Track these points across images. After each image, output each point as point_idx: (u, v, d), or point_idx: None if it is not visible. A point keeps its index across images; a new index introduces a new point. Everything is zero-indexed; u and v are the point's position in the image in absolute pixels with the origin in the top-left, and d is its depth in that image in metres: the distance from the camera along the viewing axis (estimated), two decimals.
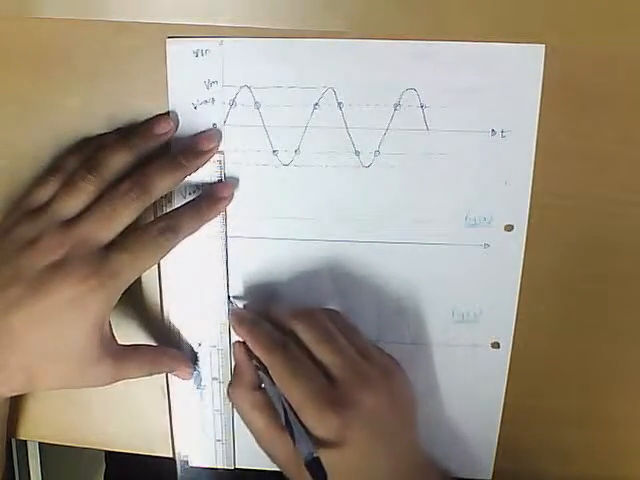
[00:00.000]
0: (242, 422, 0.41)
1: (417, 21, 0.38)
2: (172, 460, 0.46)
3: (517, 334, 0.42)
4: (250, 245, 0.42)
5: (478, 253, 0.41)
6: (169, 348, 0.43)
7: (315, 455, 0.35)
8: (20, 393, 0.40)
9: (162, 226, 0.37)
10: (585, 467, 0.45)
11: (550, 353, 0.43)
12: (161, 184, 0.38)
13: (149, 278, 0.43)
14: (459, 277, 0.42)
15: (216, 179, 0.41)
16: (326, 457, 0.35)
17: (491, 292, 0.42)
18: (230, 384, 0.41)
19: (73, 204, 0.37)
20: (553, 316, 0.43)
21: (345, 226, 0.42)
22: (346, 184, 0.41)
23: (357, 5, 0.38)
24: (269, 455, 0.40)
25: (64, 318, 0.35)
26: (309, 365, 0.37)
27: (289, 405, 0.37)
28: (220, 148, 0.41)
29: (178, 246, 0.38)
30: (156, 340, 0.44)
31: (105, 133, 0.41)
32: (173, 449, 0.46)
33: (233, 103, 0.40)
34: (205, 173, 0.41)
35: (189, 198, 0.41)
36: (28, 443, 0.72)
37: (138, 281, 0.43)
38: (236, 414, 0.43)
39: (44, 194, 0.38)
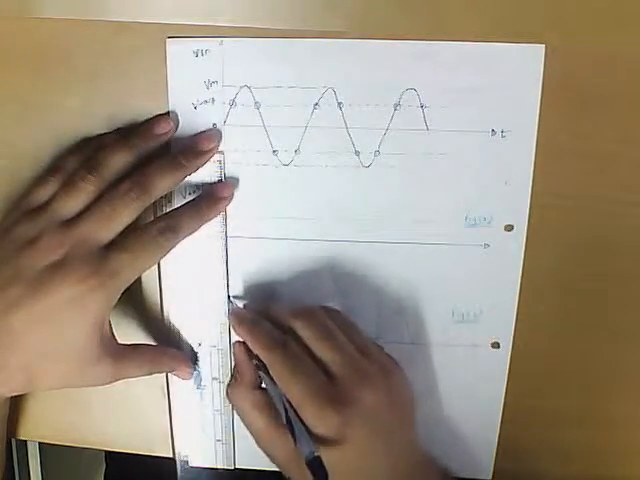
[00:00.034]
0: (242, 422, 0.41)
1: (417, 21, 0.38)
2: (172, 460, 0.46)
3: (517, 334, 0.42)
4: (250, 245, 0.42)
5: (478, 253, 0.41)
6: (169, 348, 0.43)
7: (316, 454, 0.35)
8: (20, 393, 0.40)
9: (162, 226, 0.37)
10: (585, 467, 0.45)
11: (550, 353, 0.43)
12: (161, 184, 0.38)
13: (149, 278, 0.43)
14: (459, 277, 0.42)
15: (216, 179, 0.41)
16: (326, 455, 0.35)
17: (491, 292, 0.42)
18: (229, 384, 0.41)
19: (73, 204, 0.37)
20: (553, 316, 0.43)
21: (345, 226, 0.42)
22: (346, 184, 0.41)
23: (357, 5, 0.38)
24: (269, 455, 0.40)
25: (64, 318, 0.35)
26: (309, 363, 0.37)
27: (289, 404, 0.37)
28: (220, 148, 0.41)
29: (178, 246, 0.38)
30: (156, 340, 0.44)
31: (105, 133, 0.41)
32: (173, 449, 0.46)
33: (233, 103, 0.40)
34: (205, 173, 0.41)
35: (189, 198, 0.41)
36: (28, 443, 0.72)
37: (138, 281, 0.43)
38: (236, 414, 0.43)
39: (44, 194, 0.38)
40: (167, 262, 0.42)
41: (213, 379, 0.44)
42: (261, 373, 0.39)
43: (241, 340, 0.41)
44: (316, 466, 0.35)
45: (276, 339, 0.39)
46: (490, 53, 0.38)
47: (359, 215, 0.41)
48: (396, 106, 0.40)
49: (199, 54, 0.39)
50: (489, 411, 0.44)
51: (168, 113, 0.40)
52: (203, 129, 0.40)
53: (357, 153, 0.40)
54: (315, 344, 0.38)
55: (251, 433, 0.40)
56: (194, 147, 0.40)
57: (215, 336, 0.43)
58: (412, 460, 0.39)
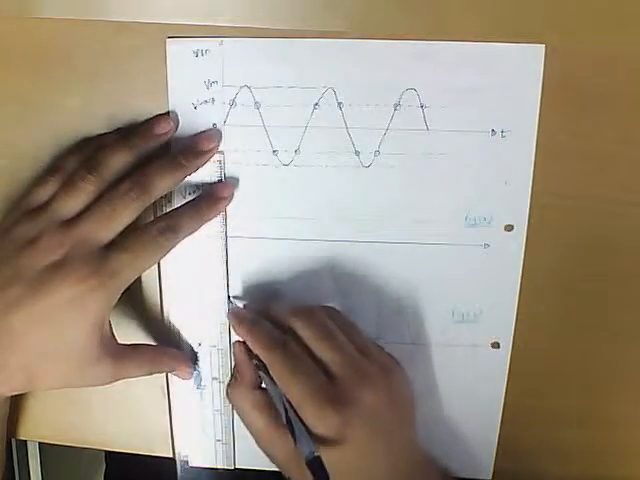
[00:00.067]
0: (242, 422, 0.41)
1: (417, 21, 0.38)
2: (172, 460, 0.46)
3: (517, 334, 0.42)
4: (250, 245, 0.42)
5: (478, 253, 0.41)
6: (169, 348, 0.43)
7: (316, 454, 0.35)
8: (20, 392, 0.40)
9: (162, 226, 0.37)
10: (585, 467, 0.45)
11: (550, 353, 0.43)
12: (161, 184, 0.38)
13: (149, 278, 0.43)
14: (459, 277, 0.42)
15: (216, 179, 0.41)
16: (327, 455, 0.35)
17: (491, 292, 0.42)
18: (229, 384, 0.41)
19: (73, 204, 0.37)
20: (553, 316, 0.43)
21: (345, 226, 0.42)
22: (346, 184, 0.41)
23: (357, 5, 0.38)
24: (268, 455, 0.40)
25: (64, 318, 0.35)
26: (309, 363, 0.37)
27: (290, 404, 0.37)
28: (220, 148, 0.41)
29: (178, 246, 0.38)
30: (156, 340, 0.44)
31: (105, 133, 0.41)
32: (173, 449, 0.46)
33: (233, 103, 0.40)
34: (205, 173, 0.41)
35: (189, 198, 0.41)
36: (28, 443, 0.72)
37: (138, 281, 0.43)
38: (236, 414, 0.43)
39: (44, 194, 0.38)
40: (167, 262, 0.42)
41: (213, 379, 0.44)
42: (261, 373, 0.39)
43: (241, 340, 0.41)
44: (316, 466, 0.35)
45: (276, 339, 0.39)
46: (490, 53, 0.38)
47: (359, 215, 0.41)
48: (396, 106, 0.40)
49: (199, 54, 0.39)
50: (489, 411, 0.44)
51: (168, 113, 0.40)
52: (203, 129, 0.40)
53: (357, 153, 0.40)
54: (315, 344, 0.38)
55: (251, 433, 0.40)
56: (194, 147, 0.40)
57: (215, 336, 0.43)
58: (412, 460, 0.39)
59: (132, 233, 0.37)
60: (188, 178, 0.40)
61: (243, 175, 0.41)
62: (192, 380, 0.44)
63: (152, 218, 0.39)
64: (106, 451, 0.60)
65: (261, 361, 0.39)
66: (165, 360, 0.41)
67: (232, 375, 0.42)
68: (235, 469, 0.46)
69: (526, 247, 0.41)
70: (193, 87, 0.40)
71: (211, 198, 0.40)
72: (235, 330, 0.41)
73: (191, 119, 0.40)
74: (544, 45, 0.38)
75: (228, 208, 0.41)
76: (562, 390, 0.44)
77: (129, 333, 0.43)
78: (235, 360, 0.42)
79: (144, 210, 0.37)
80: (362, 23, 0.38)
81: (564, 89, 0.39)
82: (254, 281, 0.43)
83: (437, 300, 0.42)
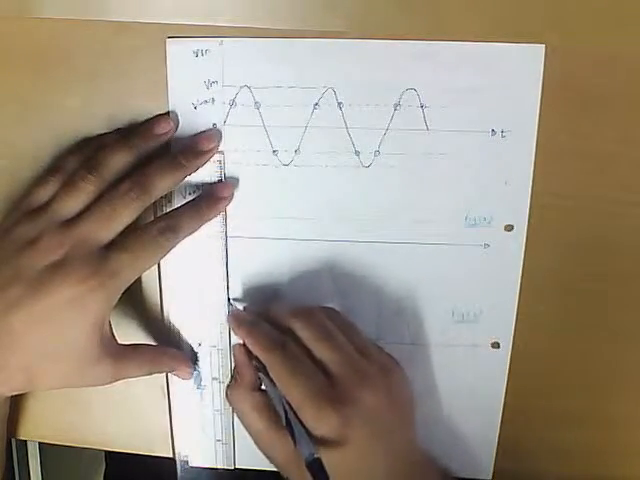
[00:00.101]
0: (241, 424, 0.41)
1: (417, 21, 0.38)
2: (172, 460, 0.46)
3: (517, 334, 0.42)
4: (250, 245, 0.42)
5: (478, 253, 0.41)
6: (169, 348, 0.43)
7: (316, 456, 0.35)
8: (20, 392, 0.40)
9: (162, 226, 0.37)
10: (585, 467, 0.45)
11: (550, 353, 0.43)
12: (161, 184, 0.38)
13: (149, 278, 0.43)
14: (459, 277, 0.42)
15: (216, 179, 0.41)
16: (327, 456, 0.35)
17: (491, 292, 0.42)
18: (229, 386, 0.41)
19: (73, 204, 0.37)
20: (553, 316, 0.43)
21: (345, 226, 0.42)
22: (346, 184, 0.41)
23: (357, 5, 0.38)
24: (268, 457, 0.39)
25: (64, 318, 0.35)
26: (308, 363, 0.37)
27: (289, 406, 0.37)
28: (220, 148, 0.41)
29: (178, 246, 0.38)
30: (156, 340, 0.44)
31: (105, 133, 0.41)
32: (173, 449, 0.46)
33: (233, 103, 0.40)
34: (205, 173, 0.41)
35: (189, 198, 0.41)
36: (28, 443, 0.72)
37: (138, 281, 0.43)
38: (236, 415, 0.43)
39: (44, 194, 0.38)
40: (167, 262, 0.42)
41: (213, 379, 0.44)
42: (261, 375, 0.39)
43: (241, 342, 0.41)
44: (316, 468, 0.35)
45: (275, 340, 0.39)
46: (490, 53, 0.38)
47: (359, 215, 0.41)
48: (396, 106, 0.40)
49: (199, 54, 0.39)
50: (489, 411, 0.44)
51: (168, 113, 0.40)
52: (203, 129, 0.40)
53: (357, 153, 0.40)
54: (314, 345, 0.38)
55: (250, 435, 0.40)
56: (194, 147, 0.40)
57: (215, 336, 0.43)
58: (412, 460, 0.39)
59: (132, 233, 0.37)
60: (188, 178, 0.40)
61: (243, 175, 0.41)
62: (192, 380, 0.44)
63: (152, 218, 0.40)
64: (106, 451, 0.60)
65: (261, 363, 0.39)
66: (165, 360, 0.41)
67: (232, 377, 0.42)
68: (235, 469, 0.46)
69: (526, 247, 0.41)
70: (193, 87, 0.40)
71: (211, 198, 0.40)
72: (235, 332, 0.41)
73: (191, 119, 0.40)
74: (544, 45, 0.38)
75: (228, 208, 0.41)
76: (562, 390, 0.44)
77: (129, 333, 0.43)
78: (235, 362, 0.42)
79: (144, 210, 0.37)
80: (362, 23, 0.38)
81: (564, 89, 0.39)
82: (254, 281, 0.43)
83: (437, 300, 0.42)
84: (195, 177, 0.40)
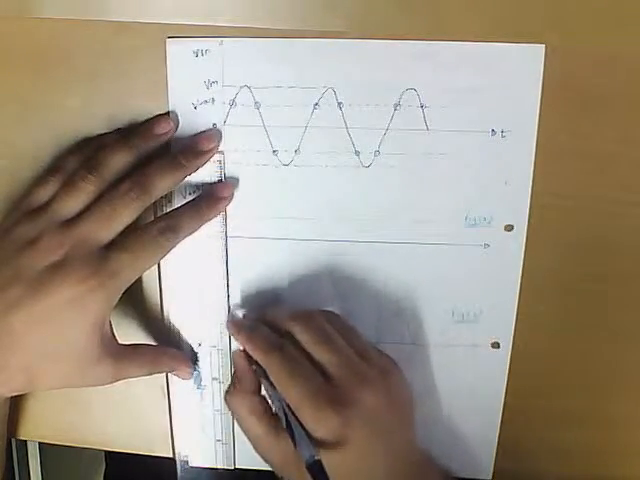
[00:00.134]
0: (240, 428, 0.40)
1: (417, 21, 0.38)
2: (172, 460, 0.46)
3: (517, 334, 0.42)
4: (250, 245, 0.42)
5: (478, 253, 0.41)
6: (169, 348, 0.43)
7: (316, 458, 0.35)
8: (20, 393, 0.40)
9: (162, 226, 0.37)
10: (585, 467, 0.45)
11: (550, 353, 0.43)
12: (161, 184, 0.38)
13: (149, 278, 0.43)
14: (459, 277, 0.42)
15: (216, 179, 0.41)
16: (326, 458, 0.35)
17: (491, 292, 0.42)
18: (228, 391, 0.41)
19: (73, 204, 0.37)
20: (553, 316, 0.43)
21: (345, 226, 0.42)
22: (346, 184, 0.41)
23: (357, 5, 0.38)
24: (267, 460, 0.39)
25: (64, 318, 0.35)
26: (307, 365, 0.37)
27: (290, 408, 0.37)
28: (220, 148, 0.41)
29: (178, 246, 0.38)
30: (156, 340, 0.44)
31: (105, 133, 0.41)
32: (173, 449, 0.46)
33: (233, 103, 0.40)
34: (205, 173, 0.41)
35: (189, 198, 0.41)
36: (28, 443, 0.72)
37: (138, 281, 0.43)
38: None
39: (44, 194, 0.38)
40: (167, 262, 0.42)
41: (213, 379, 0.44)
42: (261, 379, 0.39)
43: (241, 348, 0.41)
44: (316, 470, 0.35)
45: (274, 343, 0.39)
46: (490, 53, 0.38)
47: (359, 215, 0.41)
48: (396, 106, 0.40)
49: (199, 54, 0.39)
50: (489, 411, 0.44)
51: (168, 113, 0.40)
52: (203, 129, 0.40)
53: (357, 153, 0.40)
54: (313, 347, 0.38)
55: (249, 439, 0.40)
56: (194, 147, 0.40)
57: (215, 336, 0.43)
58: (412, 460, 0.38)
59: (132, 233, 0.37)
60: (188, 178, 0.40)
61: (243, 175, 0.41)
62: (192, 380, 0.44)
63: (152, 218, 0.40)
64: (106, 451, 0.60)
65: (261, 367, 0.39)
66: (165, 360, 0.41)
67: (231, 382, 0.42)
68: (235, 469, 0.46)
69: (526, 247, 0.41)
70: (193, 87, 0.40)
71: (211, 198, 0.40)
72: (234, 338, 0.42)
73: (191, 119, 0.40)
74: (544, 45, 0.38)
75: (228, 208, 0.41)
76: (562, 390, 0.44)
77: (129, 333, 0.43)
78: (234, 367, 0.42)
79: (144, 210, 0.37)
80: (362, 23, 0.38)
81: (564, 89, 0.39)
82: (254, 281, 0.43)
83: (437, 300, 0.42)
84: (195, 177, 0.40)
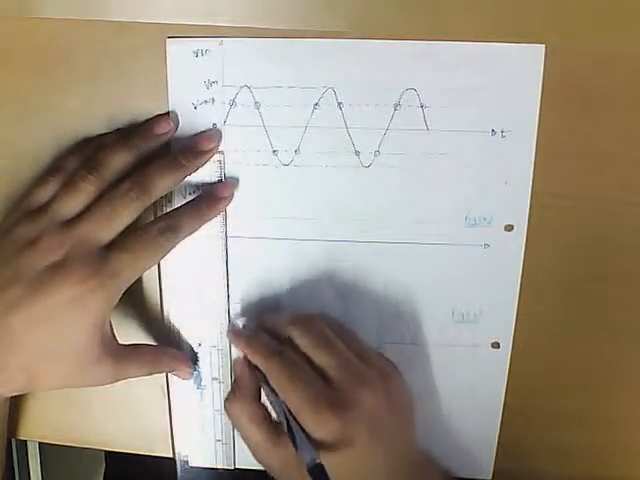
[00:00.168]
0: (240, 436, 0.40)
1: (417, 21, 0.38)
2: (172, 460, 0.46)
3: (517, 334, 0.42)
4: (250, 245, 0.42)
5: (478, 253, 0.41)
6: (169, 348, 0.43)
7: (317, 461, 0.35)
8: (20, 393, 0.40)
9: (162, 226, 0.37)
10: (585, 467, 0.45)
11: (550, 353, 0.43)
12: (161, 184, 0.38)
13: (149, 278, 0.43)
14: (459, 277, 0.42)
15: (216, 179, 0.41)
16: (327, 460, 0.35)
17: (491, 292, 0.42)
18: (227, 399, 0.41)
19: (73, 204, 0.37)
20: (553, 316, 0.43)
21: (345, 226, 0.42)
22: (346, 184, 0.41)
23: (357, 5, 0.38)
24: (266, 467, 0.39)
25: (64, 318, 0.35)
26: (306, 369, 0.37)
27: (290, 413, 0.37)
28: (220, 148, 0.41)
29: (178, 246, 0.38)
30: (156, 340, 0.44)
31: (105, 133, 0.41)
32: (173, 449, 0.46)
33: (233, 103, 0.40)
34: (205, 173, 0.41)
35: (189, 198, 0.41)
36: (28, 443, 0.72)
37: (138, 281, 0.43)
38: None
39: (44, 194, 0.38)
40: (167, 262, 0.42)
41: (213, 379, 0.44)
42: (262, 385, 0.39)
43: (242, 355, 0.41)
44: (318, 473, 0.35)
45: (273, 348, 0.39)
46: (490, 53, 0.38)
47: (359, 215, 0.41)
48: (396, 106, 0.40)
49: (199, 54, 0.39)
50: (489, 411, 0.44)
51: (168, 113, 0.40)
52: (203, 129, 0.40)
53: (357, 153, 0.40)
54: (313, 351, 0.38)
55: (249, 446, 0.40)
56: (194, 147, 0.40)
57: (215, 336, 0.43)
58: (412, 461, 0.39)
59: (132, 233, 0.37)
60: (188, 178, 0.40)
61: (243, 175, 0.41)
62: (192, 380, 0.44)
63: (152, 218, 0.40)
64: (106, 451, 0.60)
65: (262, 373, 0.39)
66: (165, 360, 0.41)
67: (231, 389, 0.42)
68: (235, 469, 0.46)
69: (526, 247, 0.41)
70: (193, 87, 0.40)
71: (211, 198, 0.40)
72: (235, 346, 0.42)
73: (191, 119, 0.40)
74: (544, 45, 0.38)
75: (228, 208, 0.41)
76: (562, 390, 0.44)
77: (129, 333, 0.43)
78: (235, 374, 0.42)
79: (144, 210, 0.37)
80: (362, 23, 0.38)
81: (564, 89, 0.39)
82: (254, 281, 0.43)
83: (437, 300, 0.42)
84: (195, 177, 0.40)
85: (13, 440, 0.60)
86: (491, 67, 0.39)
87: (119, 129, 0.41)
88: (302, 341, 0.39)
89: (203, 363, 0.44)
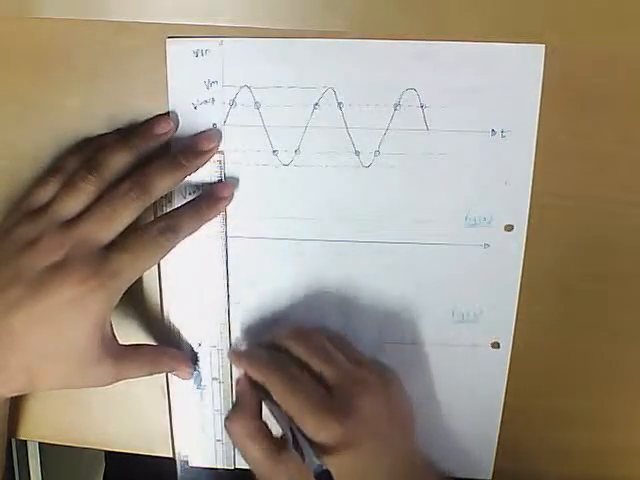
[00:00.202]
0: (240, 453, 0.40)
1: (417, 21, 0.38)
2: (172, 460, 0.46)
3: (517, 334, 0.42)
4: (250, 245, 0.42)
5: (478, 253, 0.41)
6: (169, 348, 0.43)
7: (324, 467, 0.35)
8: (20, 393, 0.40)
9: (162, 226, 0.37)
10: (585, 467, 0.45)
11: (550, 353, 0.43)
12: (161, 184, 0.38)
13: (149, 278, 0.43)
14: (459, 277, 0.42)
15: (216, 179, 0.41)
16: (330, 463, 0.36)
17: (491, 292, 0.42)
18: (227, 417, 0.40)
19: (73, 204, 0.37)
20: (553, 316, 0.43)
21: (345, 226, 0.42)
22: (346, 184, 0.41)
23: (357, 5, 0.38)
24: None
25: (64, 318, 0.35)
26: (307, 379, 0.38)
27: (296, 426, 0.37)
28: (220, 148, 0.41)
29: (178, 246, 0.38)
30: (156, 340, 0.44)
31: (105, 133, 0.41)
32: (173, 449, 0.46)
33: (233, 103, 0.40)
34: (205, 173, 0.41)
35: (189, 198, 0.41)
36: (28, 443, 0.72)
37: (138, 281, 0.43)
38: None
39: (44, 195, 0.38)
40: (167, 262, 0.42)
41: (213, 379, 0.44)
42: (264, 400, 0.39)
43: (242, 373, 0.41)
44: None
45: (273, 362, 0.39)
46: (490, 53, 0.38)
47: (359, 215, 0.41)
48: (396, 106, 0.40)
49: (199, 54, 0.39)
50: (489, 411, 0.44)
51: (168, 113, 0.40)
52: (203, 129, 0.40)
53: (357, 153, 0.40)
54: (312, 362, 0.39)
55: (249, 464, 0.39)
56: (194, 147, 0.40)
57: (215, 336, 0.43)
58: (412, 464, 0.39)
59: (132, 233, 0.37)
60: (188, 178, 0.40)
61: (243, 175, 0.41)
62: (192, 380, 0.44)
63: (152, 218, 0.40)
64: (106, 451, 0.60)
65: (264, 390, 0.39)
66: (165, 360, 0.41)
67: (232, 408, 0.41)
68: (235, 469, 0.46)
69: (526, 247, 0.41)
70: (193, 87, 0.40)
71: (211, 198, 0.40)
72: (236, 365, 0.42)
73: (191, 119, 0.40)
74: (544, 45, 0.38)
75: (228, 208, 0.41)
76: (562, 390, 0.44)
77: (129, 333, 0.43)
78: (236, 393, 0.42)
79: (144, 210, 0.37)
80: (362, 23, 0.38)
81: (564, 89, 0.39)
82: (254, 281, 0.43)
83: (437, 300, 0.42)
84: (195, 177, 0.40)
85: (13, 440, 0.60)
86: (491, 67, 0.39)
87: (119, 129, 0.41)
88: (302, 353, 0.39)
89: (203, 363, 0.44)
